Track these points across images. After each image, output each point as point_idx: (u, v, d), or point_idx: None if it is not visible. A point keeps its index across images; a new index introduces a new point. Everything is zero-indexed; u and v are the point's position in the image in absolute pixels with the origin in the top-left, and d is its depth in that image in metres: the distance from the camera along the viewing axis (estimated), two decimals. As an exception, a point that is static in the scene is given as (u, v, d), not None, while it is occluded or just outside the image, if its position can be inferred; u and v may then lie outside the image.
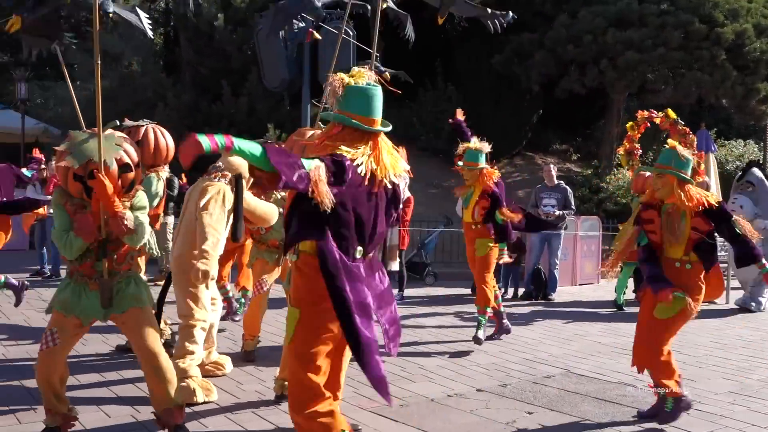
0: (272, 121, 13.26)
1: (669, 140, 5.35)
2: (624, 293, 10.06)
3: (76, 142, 4.19)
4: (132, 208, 4.23)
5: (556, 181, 10.95)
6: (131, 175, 4.27)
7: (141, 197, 4.36)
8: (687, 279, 4.99)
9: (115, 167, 4.17)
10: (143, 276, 5.13)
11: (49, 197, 6.74)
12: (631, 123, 10.17)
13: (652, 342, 5.04)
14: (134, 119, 4.98)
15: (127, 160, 4.25)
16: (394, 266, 10.21)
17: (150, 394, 4.38)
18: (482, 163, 7.21)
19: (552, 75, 16.63)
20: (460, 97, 17.78)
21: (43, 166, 10.95)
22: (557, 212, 10.52)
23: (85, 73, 17.08)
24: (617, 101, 17.86)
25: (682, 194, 4.90)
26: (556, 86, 16.88)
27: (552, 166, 11.53)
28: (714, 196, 5.09)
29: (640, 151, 10.65)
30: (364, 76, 3.46)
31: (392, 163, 3.48)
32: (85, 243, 4.15)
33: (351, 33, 11.92)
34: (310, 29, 8.38)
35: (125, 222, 4.09)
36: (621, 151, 10.58)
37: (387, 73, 6.22)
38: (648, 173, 10.18)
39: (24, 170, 6.69)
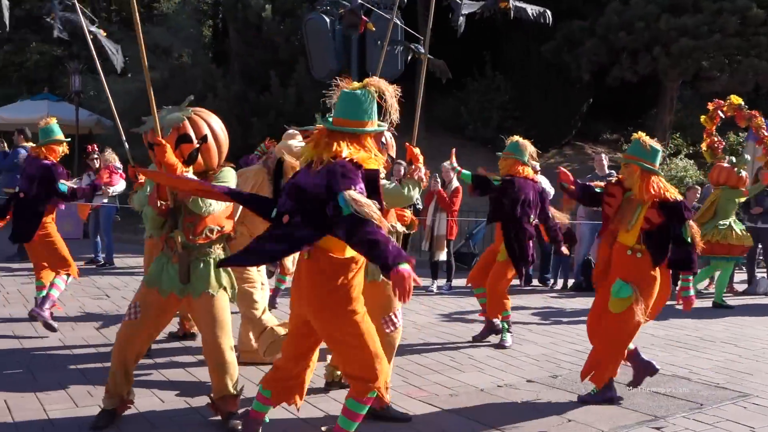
0: (320, 111, 13.28)
1: (638, 132, 5.29)
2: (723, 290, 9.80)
3: (153, 116, 4.28)
4: (211, 180, 4.28)
5: (607, 171, 10.77)
6: (191, 146, 4.30)
7: (225, 173, 4.41)
8: (636, 268, 5.00)
9: (171, 134, 4.25)
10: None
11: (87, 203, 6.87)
12: (704, 117, 9.95)
13: (612, 339, 5.10)
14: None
15: (187, 130, 4.30)
16: (442, 256, 10.18)
17: (211, 380, 4.45)
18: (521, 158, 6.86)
19: (603, 63, 16.36)
20: (508, 86, 17.63)
21: (95, 156, 11.16)
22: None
23: (137, 65, 17.33)
24: (670, 89, 17.50)
25: (642, 184, 4.94)
26: (607, 74, 16.61)
27: (603, 155, 11.34)
28: (674, 192, 5.03)
29: (722, 144, 10.42)
30: (359, 85, 3.73)
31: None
32: (154, 212, 4.24)
33: (399, 22, 11.86)
34: (363, 18, 8.34)
35: (189, 188, 4.11)
36: (703, 147, 10.38)
37: (425, 58, 6.15)
38: (726, 164, 9.97)
39: (62, 183, 6.64)
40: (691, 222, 4.99)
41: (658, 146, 5.07)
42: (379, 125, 3.74)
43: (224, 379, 4.36)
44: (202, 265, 4.33)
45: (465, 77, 17.76)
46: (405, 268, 3.21)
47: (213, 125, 4.44)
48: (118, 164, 10.85)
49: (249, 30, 17.31)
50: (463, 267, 11.49)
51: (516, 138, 6.96)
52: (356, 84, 3.75)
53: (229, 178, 4.41)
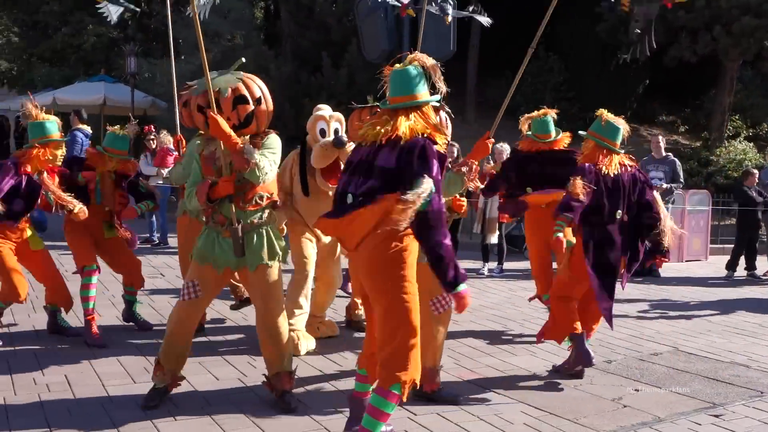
0: (371, 93, 13.25)
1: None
2: None
3: (204, 78, 4.27)
4: (259, 146, 4.26)
5: (664, 153, 10.55)
6: (248, 107, 4.29)
7: (273, 139, 4.39)
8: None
9: (229, 95, 4.24)
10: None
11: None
12: None
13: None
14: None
15: (244, 92, 4.29)
16: (494, 239, 10.10)
17: (263, 356, 4.48)
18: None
19: (661, 42, 15.96)
20: (562, 66, 17.36)
21: (152, 137, 11.33)
22: (665, 185, 10.13)
23: (191, 47, 17.52)
24: (730, 69, 17.01)
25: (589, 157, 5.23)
26: (664, 54, 16.20)
27: (660, 137, 11.10)
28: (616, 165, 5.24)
29: None
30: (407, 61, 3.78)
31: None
32: (200, 204, 4.26)
33: (452, 2, 11.73)
34: (403, 3, 8.25)
35: (244, 155, 4.08)
36: None
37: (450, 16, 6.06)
38: None
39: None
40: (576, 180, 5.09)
41: (619, 124, 5.32)
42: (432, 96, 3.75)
43: (277, 352, 4.38)
44: (255, 237, 4.33)
45: (518, 57, 17.54)
46: (464, 289, 3.45)
47: (263, 89, 4.45)
48: (173, 146, 11.00)
49: (301, 11, 17.33)
50: (514, 250, 11.39)
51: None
52: (408, 60, 3.79)
53: (275, 144, 4.37)
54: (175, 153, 10.99)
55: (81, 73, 23.20)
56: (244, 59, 4.59)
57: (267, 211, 4.41)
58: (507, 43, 17.02)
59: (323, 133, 5.65)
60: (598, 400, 4.87)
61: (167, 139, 11.00)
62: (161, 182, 11.33)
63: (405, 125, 3.57)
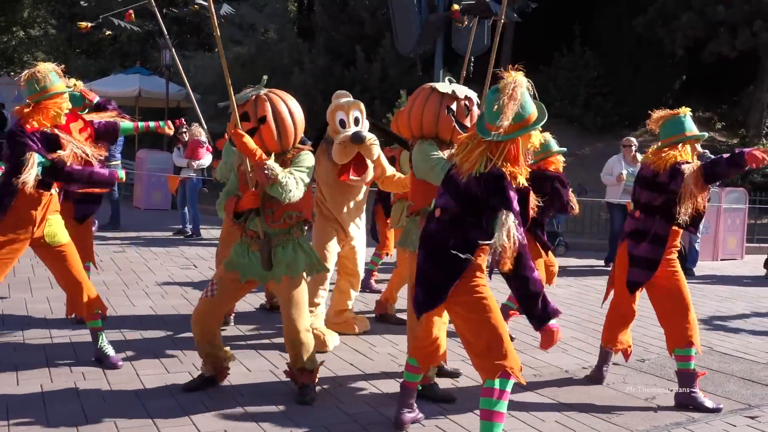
0: (404, 87, 13.25)
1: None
2: None
3: (231, 102, 4.34)
4: (288, 164, 4.34)
5: (700, 150, 10.37)
6: (248, 125, 4.33)
7: (303, 157, 4.41)
8: None
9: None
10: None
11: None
12: None
13: None
14: (271, 85, 5.02)
15: (248, 109, 4.34)
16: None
17: (289, 354, 4.55)
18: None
19: (699, 37, 15.70)
20: (597, 62, 17.17)
21: (184, 130, 11.43)
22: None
23: (223, 41, 17.64)
24: (770, 66, 16.70)
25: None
26: (702, 49, 15.94)
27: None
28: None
29: None
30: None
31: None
32: (228, 220, 4.39)
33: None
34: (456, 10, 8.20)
35: (265, 171, 4.12)
36: None
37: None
38: None
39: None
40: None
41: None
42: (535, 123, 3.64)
43: (300, 355, 4.45)
44: (282, 249, 4.39)
45: (552, 52, 17.37)
46: (554, 324, 3.46)
47: (279, 108, 4.36)
48: (204, 138, 11.09)
49: (335, 4, 17.36)
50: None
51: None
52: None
53: (306, 162, 4.39)
54: (206, 145, 11.11)
55: (117, 65, 23.47)
56: (266, 77, 4.61)
57: (299, 230, 4.48)
58: (541, 38, 16.89)
59: (343, 124, 5.49)
60: (631, 399, 4.82)
61: (198, 131, 11.10)
62: (193, 174, 11.43)
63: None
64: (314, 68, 16.73)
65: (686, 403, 4.68)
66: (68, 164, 4.71)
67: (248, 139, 4.17)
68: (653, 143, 5.20)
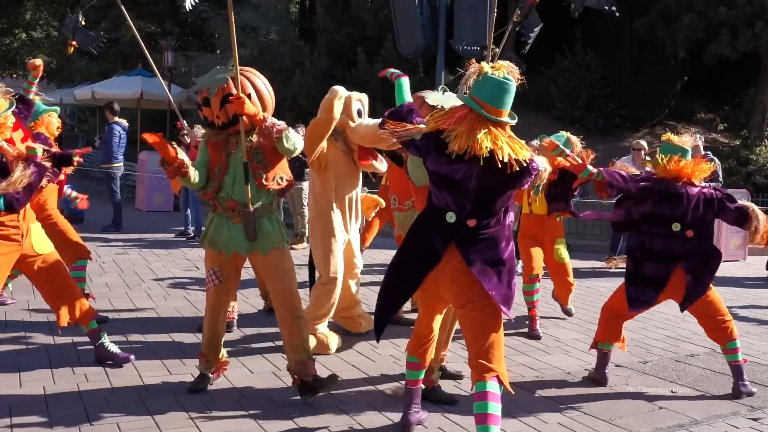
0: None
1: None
2: None
3: (207, 76, 4.50)
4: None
5: (702, 152, 10.37)
6: (233, 105, 4.35)
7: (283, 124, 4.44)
8: None
9: (217, 93, 4.39)
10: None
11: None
12: None
13: None
14: (273, 86, 5.05)
15: (232, 90, 4.36)
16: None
17: (285, 345, 4.52)
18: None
19: (700, 39, 15.68)
20: (599, 63, 17.15)
21: (185, 132, 11.42)
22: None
23: (227, 43, 17.66)
24: (771, 67, 16.67)
25: None
26: (704, 51, 15.92)
27: (698, 136, 10.93)
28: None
29: None
30: (504, 69, 3.68)
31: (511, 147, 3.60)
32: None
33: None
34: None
35: (275, 126, 4.25)
36: None
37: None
38: None
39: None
40: None
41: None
42: (511, 116, 3.72)
43: (300, 336, 4.42)
44: (266, 221, 4.40)
45: (554, 54, 17.35)
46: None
47: (257, 84, 4.52)
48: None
49: (336, 6, 17.35)
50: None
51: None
52: (499, 66, 3.71)
53: (291, 136, 4.39)
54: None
55: (119, 67, 23.50)
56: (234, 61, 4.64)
57: (274, 198, 4.53)
58: (543, 40, 16.86)
59: (360, 113, 5.49)
60: (634, 401, 4.82)
61: (201, 133, 11.08)
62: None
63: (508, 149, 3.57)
64: (316, 70, 16.73)
65: (745, 392, 4.93)
66: (18, 190, 4.40)
67: (248, 103, 4.24)
68: (656, 145, 5.29)
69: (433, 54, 13.58)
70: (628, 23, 16.49)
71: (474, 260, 3.66)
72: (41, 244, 4.83)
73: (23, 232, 4.67)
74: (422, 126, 3.74)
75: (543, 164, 3.92)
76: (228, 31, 4.55)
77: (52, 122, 6.02)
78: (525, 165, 3.60)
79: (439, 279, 3.75)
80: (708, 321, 5.04)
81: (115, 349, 5.10)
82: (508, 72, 3.68)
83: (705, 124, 18.98)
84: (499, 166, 3.51)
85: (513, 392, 3.74)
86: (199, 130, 11.02)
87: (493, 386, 3.56)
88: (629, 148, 11.75)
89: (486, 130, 3.55)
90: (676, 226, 4.81)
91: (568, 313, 7.11)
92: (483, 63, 3.75)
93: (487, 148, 3.49)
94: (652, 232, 4.88)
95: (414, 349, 4.09)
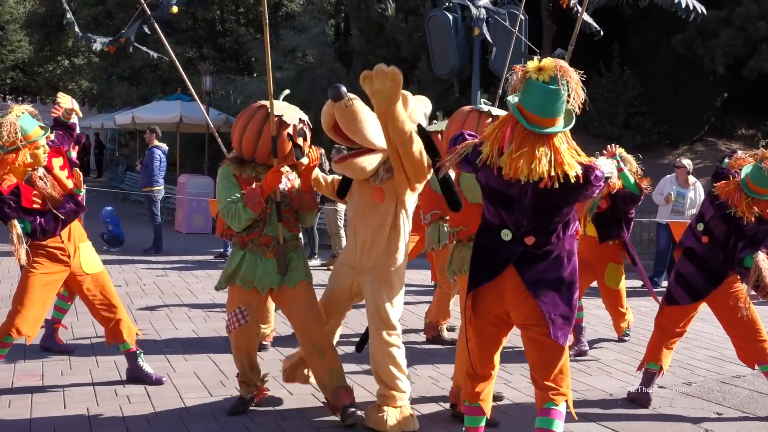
0: (441, 109, 13.25)
1: None
2: None
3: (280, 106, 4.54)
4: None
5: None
6: (304, 142, 4.54)
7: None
8: None
9: (293, 125, 4.49)
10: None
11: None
12: None
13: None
14: (311, 108, 5.05)
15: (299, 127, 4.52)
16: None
17: (315, 379, 4.56)
18: None
19: (739, 55, 15.50)
20: (636, 81, 17.03)
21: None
22: None
23: (265, 67, 17.90)
24: (813, 82, 16.39)
25: None
26: (743, 66, 15.73)
27: (740, 152, 10.76)
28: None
29: None
30: (551, 71, 3.30)
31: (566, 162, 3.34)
32: (254, 214, 4.22)
33: (523, 18, 11.69)
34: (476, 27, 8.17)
35: (316, 199, 4.44)
36: None
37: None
38: None
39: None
40: None
41: None
42: (567, 120, 3.44)
43: (326, 368, 4.42)
44: (294, 256, 4.47)
45: (590, 71, 17.28)
46: None
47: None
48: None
49: (371, 28, 17.50)
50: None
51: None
52: (546, 66, 3.32)
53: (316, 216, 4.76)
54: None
55: (158, 92, 23.90)
56: (288, 91, 4.71)
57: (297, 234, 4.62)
58: (579, 57, 16.82)
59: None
60: (678, 423, 4.73)
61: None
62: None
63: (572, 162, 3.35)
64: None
65: None
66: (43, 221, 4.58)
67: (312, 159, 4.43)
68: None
69: (468, 74, 13.60)
70: (666, 40, 16.37)
71: (532, 281, 3.41)
72: (90, 263, 4.99)
73: (70, 252, 4.83)
74: (471, 141, 3.53)
75: (609, 169, 3.70)
76: (264, 56, 4.60)
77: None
78: (586, 175, 3.34)
79: (499, 299, 3.51)
80: (740, 339, 5.00)
81: (149, 369, 5.17)
82: (558, 71, 3.30)
83: (746, 140, 18.70)
84: (557, 185, 3.25)
85: (576, 418, 3.68)
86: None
87: (561, 407, 3.51)
88: (668, 166, 11.63)
89: (539, 155, 3.25)
90: None
91: (622, 340, 6.93)
92: (529, 63, 3.37)
93: (543, 172, 3.23)
94: None
95: (473, 396, 3.67)
